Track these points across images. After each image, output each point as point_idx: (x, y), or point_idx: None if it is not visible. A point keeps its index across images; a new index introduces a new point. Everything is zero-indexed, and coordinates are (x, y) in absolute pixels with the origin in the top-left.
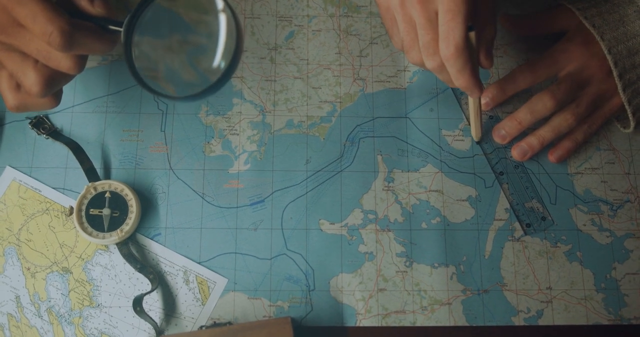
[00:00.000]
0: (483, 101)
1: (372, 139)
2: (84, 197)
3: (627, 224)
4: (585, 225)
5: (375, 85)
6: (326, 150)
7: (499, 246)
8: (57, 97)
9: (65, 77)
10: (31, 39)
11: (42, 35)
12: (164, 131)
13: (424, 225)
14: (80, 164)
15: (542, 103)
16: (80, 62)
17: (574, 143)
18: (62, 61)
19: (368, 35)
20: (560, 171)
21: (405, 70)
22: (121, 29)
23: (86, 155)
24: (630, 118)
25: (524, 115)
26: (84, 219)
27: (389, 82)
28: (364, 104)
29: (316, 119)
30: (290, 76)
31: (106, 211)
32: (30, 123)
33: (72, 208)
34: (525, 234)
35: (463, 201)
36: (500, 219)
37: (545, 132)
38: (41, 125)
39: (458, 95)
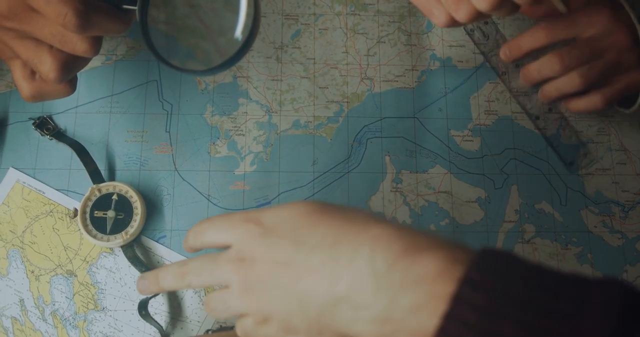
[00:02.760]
0: (500, 53)
1: (379, 140)
2: (88, 199)
3: (638, 225)
4: (596, 227)
5: (383, 85)
6: (333, 151)
7: (509, 248)
8: (72, 84)
9: (81, 61)
10: (45, 23)
11: (56, 17)
12: (169, 132)
13: (432, 227)
14: (85, 165)
15: (549, 65)
16: (96, 44)
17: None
18: (77, 44)
19: (375, 34)
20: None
21: (413, 70)
22: (135, 7)
23: (90, 157)
24: None
25: (531, 72)
26: (88, 221)
27: (397, 81)
28: (371, 104)
29: (323, 120)
30: (297, 76)
31: (111, 213)
32: (33, 124)
33: (76, 210)
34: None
35: (472, 202)
36: (510, 221)
37: (550, 91)
38: (45, 126)
39: (497, 71)
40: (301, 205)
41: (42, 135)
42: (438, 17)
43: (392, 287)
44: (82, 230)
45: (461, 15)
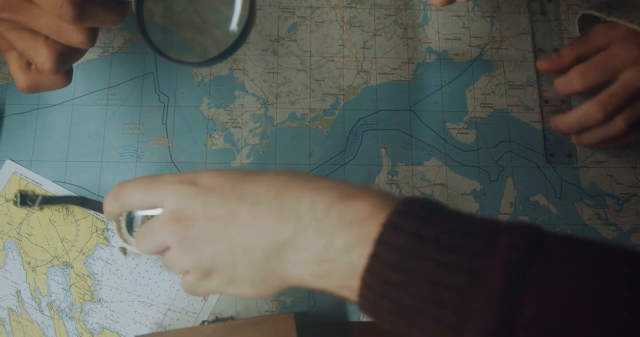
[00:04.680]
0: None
1: (375, 132)
2: (119, 229)
3: (633, 218)
4: (590, 219)
5: (379, 78)
6: (329, 143)
7: None
8: (68, 76)
9: (77, 53)
10: (41, 14)
11: (52, 8)
12: (166, 124)
13: None
14: (94, 209)
15: (591, 115)
16: (92, 36)
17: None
18: (73, 35)
19: (372, 27)
20: (565, 164)
21: (409, 63)
22: None
23: (95, 201)
24: None
25: (571, 124)
26: (131, 241)
27: (393, 74)
28: (367, 96)
29: (319, 112)
30: (293, 68)
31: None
32: (15, 204)
33: (124, 249)
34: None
35: (468, 194)
36: (505, 213)
37: (591, 138)
38: (27, 198)
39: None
40: (234, 169)
41: (30, 207)
42: None
43: (329, 229)
44: (134, 250)
45: None
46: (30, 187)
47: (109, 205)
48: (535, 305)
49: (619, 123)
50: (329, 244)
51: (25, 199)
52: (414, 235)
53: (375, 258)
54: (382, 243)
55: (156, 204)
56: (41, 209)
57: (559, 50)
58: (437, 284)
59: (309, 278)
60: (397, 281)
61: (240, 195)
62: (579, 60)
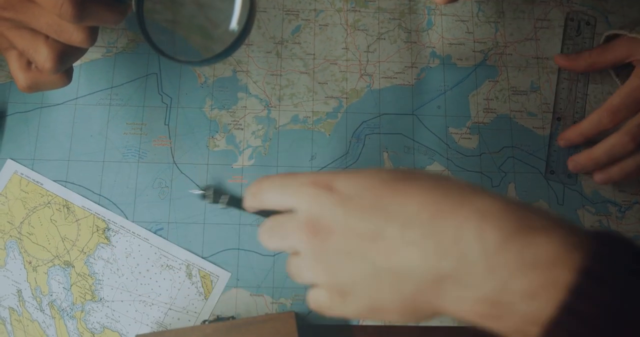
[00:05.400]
0: (562, 143)
1: (378, 136)
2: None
3: (635, 225)
4: (592, 226)
5: (382, 82)
6: (332, 146)
7: None
8: (68, 75)
9: (77, 52)
10: (41, 13)
11: (53, 7)
12: (168, 125)
13: None
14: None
15: (621, 146)
16: (92, 35)
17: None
18: (73, 34)
19: (376, 31)
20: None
21: (412, 67)
22: None
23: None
24: None
25: (600, 155)
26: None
27: (396, 78)
28: (370, 100)
29: (322, 115)
30: (296, 71)
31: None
32: (208, 198)
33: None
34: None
35: None
36: None
37: (616, 173)
38: (219, 196)
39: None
40: (381, 171)
41: (213, 203)
42: None
43: (505, 268)
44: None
45: None
46: (31, 187)
47: (249, 202)
48: None
49: None
50: (505, 285)
51: (218, 196)
52: (621, 290)
53: (569, 312)
54: (578, 295)
55: (291, 205)
56: (226, 208)
57: (579, 52)
58: None
59: (472, 316)
60: None
61: (387, 211)
62: (594, 67)
